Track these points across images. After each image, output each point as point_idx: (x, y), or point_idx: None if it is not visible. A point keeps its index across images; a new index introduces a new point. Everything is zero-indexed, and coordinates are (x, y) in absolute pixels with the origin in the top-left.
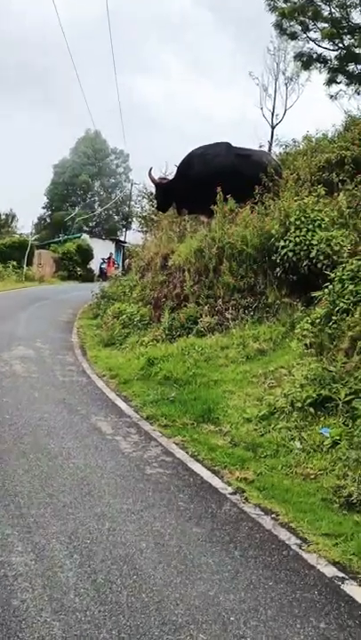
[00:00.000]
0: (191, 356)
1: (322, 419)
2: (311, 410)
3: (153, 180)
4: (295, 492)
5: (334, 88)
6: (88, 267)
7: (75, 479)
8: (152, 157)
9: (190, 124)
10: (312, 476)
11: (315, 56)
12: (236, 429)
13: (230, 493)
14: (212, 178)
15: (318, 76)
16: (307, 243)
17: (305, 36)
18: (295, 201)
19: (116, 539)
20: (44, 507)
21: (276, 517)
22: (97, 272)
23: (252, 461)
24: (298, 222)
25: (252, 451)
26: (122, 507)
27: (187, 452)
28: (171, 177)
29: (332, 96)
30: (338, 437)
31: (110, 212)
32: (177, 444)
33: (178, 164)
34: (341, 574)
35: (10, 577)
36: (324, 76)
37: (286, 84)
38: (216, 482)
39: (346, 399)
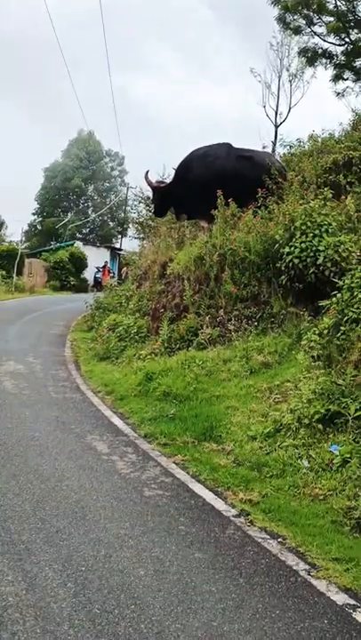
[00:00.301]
0: (192, 370)
1: (331, 435)
2: (319, 426)
3: (150, 184)
4: (303, 514)
5: (341, 85)
6: (82, 276)
7: (68, 502)
8: (149, 159)
9: (189, 125)
10: (321, 497)
11: (320, 51)
12: (239, 448)
13: (234, 516)
14: (212, 181)
15: (324, 72)
16: (313, 249)
17: (309, 30)
18: (300, 205)
19: (113, 566)
20: (36, 532)
21: (283, 541)
22: (91, 282)
23: (258, 482)
24: (304, 227)
25: (257, 470)
26: (119, 531)
27: (187, 473)
28: (169, 180)
29: (338, 93)
30: (348, 455)
31: (105, 218)
32: (177, 464)
33: (176, 167)
34: (353, 602)
35: None
36: (330, 72)
37: (290, 81)
38: (219, 504)
39: (356, 415)
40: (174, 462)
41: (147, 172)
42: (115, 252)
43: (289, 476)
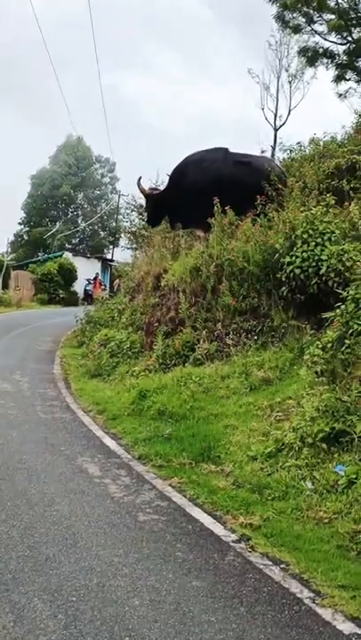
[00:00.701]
0: (188, 388)
1: (336, 455)
2: (324, 445)
3: (143, 191)
4: (307, 538)
5: (343, 86)
6: (71, 289)
7: (58, 529)
8: (141, 165)
9: (185, 128)
10: (326, 521)
11: (321, 51)
12: (239, 469)
13: (234, 541)
14: (208, 187)
15: (325, 72)
16: (315, 258)
17: (309, 28)
18: (302, 212)
19: (106, 595)
20: (24, 561)
21: (287, 568)
22: (81, 295)
23: (259, 505)
24: (305, 236)
25: (258, 493)
26: (112, 559)
27: (184, 496)
28: (163, 187)
29: (340, 95)
30: (354, 476)
31: (95, 228)
32: (173, 487)
33: (170, 173)
34: (360, 631)
35: None
36: (332, 72)
37: (290, 82)
38: (218, 529)
39: None
40: (170, 485)
41: (139, 179)
42: (106, 264)
43: (292, 499)
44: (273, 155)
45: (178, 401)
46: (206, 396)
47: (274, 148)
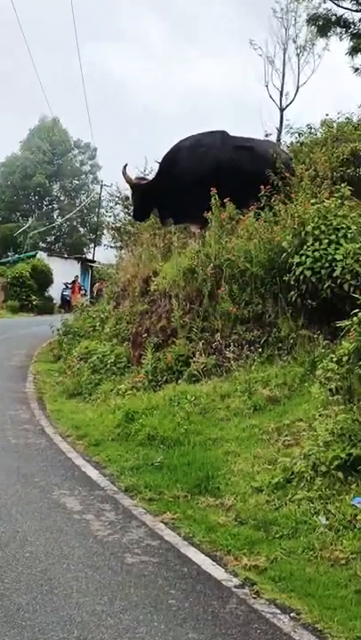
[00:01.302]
0: (182, 408)
1: (354, 486)
2: (340, 474)
3: (129, 181)
4: (321, 582)
5: (359, 59)
6: (46, 294)
7: (32, 573)
8: (127, 151)
9: (176, 109)
10: (342, 562)
11: (333, 18)
12: (242, 502)
13: (236, 586)
14: (204, 176)
15: (338, 43)
16: (329, 258)
17: None
18: (313, 204)
19: None
20: None
21: (297, 616)
22: (58, 301)
23: (265, 544)
24: (317, 232)
25: (264, 530)
26: (95, 608)
27: (179, 534)
28: (152, 176)
29: (357, 69)
30: None
31: (74, 224)
32: (166, 524)
33: (160, 160)
34: None
35: None
36: (346, 43)
37: (298, 55)
38: (218, 572)
39: None
40: (162, 521)
41: (125, 167)
42: (87, 265)
43: (303, 537)
44: (279, 138)
45: (170, 424)
46: (203, 417)
47: (280, 131)
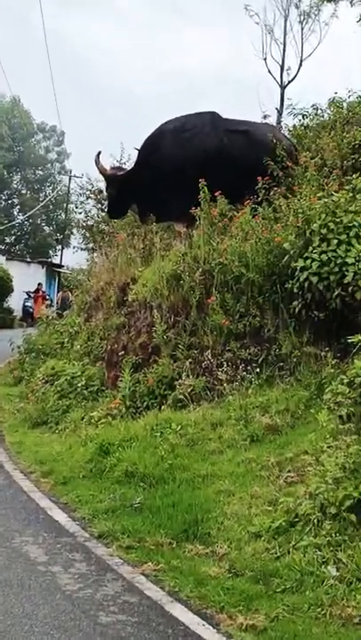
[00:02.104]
0: (166, 440)
1: None
2: (352, 517)
3: (102, 171)
4: None
5: None
6: (5, 305)
7: None
8: (100, 136)
9: (158, 87)
10: (356, 620)
11: None
12: (237, 550)
13: None
14: (191, 166)
15: (348, 9)
16: (338, 262)
17: None
18: (319, 198)
19: None
20: None
21: None
22: (19, 313)
23: (264, 599)
24: (324, 231)
25: (264, 582)
26: None
27: (162, 588)
28: (129, 165)
29: None
30: None
31: (38, 221)
32: (147, 576)
33: (140, 147)
34: None
35: None
36: (358, 9)
37: (301, 23)
38: (208, 633)
39: None
40: (143, 573)
41: (98, 154)
42: (53, 271)
43: (309, 590)
44: (279, 121)
45: (152, 458)
46: (191, 450)
47: (280, 112)
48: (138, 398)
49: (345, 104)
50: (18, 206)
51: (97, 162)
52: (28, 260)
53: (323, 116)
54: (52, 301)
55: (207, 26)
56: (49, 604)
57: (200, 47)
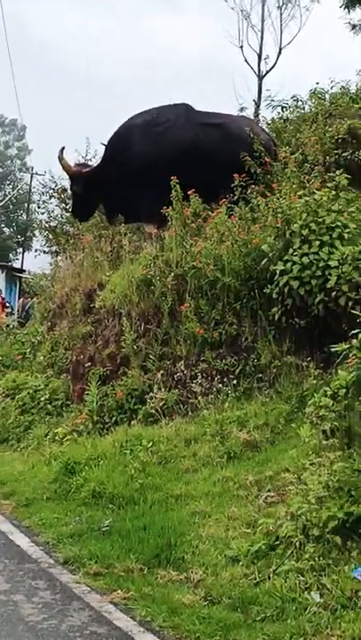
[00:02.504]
0: (137, 457)
1: (354, 553)
2: (336, 539)
3: (67, 168)
4: None
5: (358, 13)
6: None
7: None
8: (64, 131)
9: (126, 78)
10: None
11: None
12: (213, 576)
13: None
14: (162, 162)
15: None
16: (321, 265)
17: None
18: (300, 197)
19: None
20: None
21: None
22: None
23: (243, 628)
24: (305, 232)
25: (242, 610)
26: None
27: (133, 618)
28: (96, 162)
29: (354, 26)
30: None
31: None
32: (116, 605)
33: (107, 142)
34: None
35: None
36: None
37: (280, 8)
38: None
39: None
40: (112, 602)
41: (61, 151)
42: (13, 275)
43: (291, 619)
44: (257, 113)
45: (122, 477)
46: (164, 469)
47: (258, 104)
48: (106, 413)
49: (327, 95)
50: None
51: (60, 158)
52: None
53: (303, 109)
54: (12, 309)
55: (180, 12)
56: (11, 635)
57: (173, 34)
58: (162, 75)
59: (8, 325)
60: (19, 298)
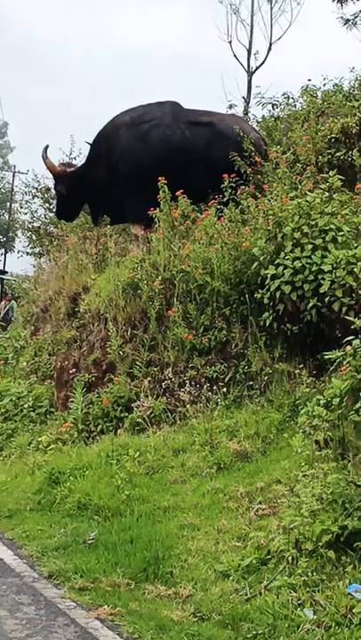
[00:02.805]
0: (123, 467)
1: (349, 568)
2: (330, 554)
3: (51, 168)
4: None
5: (351, 7)
6: None
7: None
8: (48, 128)
9: (111, 72)
10: None
11: None
12: (203, 591)
13: None
14: (149, 162)
15: None
16: (314, 269)
17: None
18: (292, 198)
19: None
20: None
21: None
22: None
23: None
24: (297, 235)
25: (232, 627)
26: None
27: (119, 635)
28: (80, 162)
29: (347, 21)
30: None
31: None
32: (102, 621)
33: (92, 141)
34: None
35: None
36: None
37: (271, 2)
38: None
39: None
40: (98, 618)
41: (45, 149)
42: None
43: (283, 636)
44: (246, 112)
45: (108, 488)
46: (151, 479)
47: (248, 102)
48: (91, 421)
49: (319, 93)
50: None
51: (44, 157)
52: None
53: (295, 106)
54: None
55: (167, 4)
56: None
57: (159, 28)
58: (147, 70)
59: None
60: (0, 300)
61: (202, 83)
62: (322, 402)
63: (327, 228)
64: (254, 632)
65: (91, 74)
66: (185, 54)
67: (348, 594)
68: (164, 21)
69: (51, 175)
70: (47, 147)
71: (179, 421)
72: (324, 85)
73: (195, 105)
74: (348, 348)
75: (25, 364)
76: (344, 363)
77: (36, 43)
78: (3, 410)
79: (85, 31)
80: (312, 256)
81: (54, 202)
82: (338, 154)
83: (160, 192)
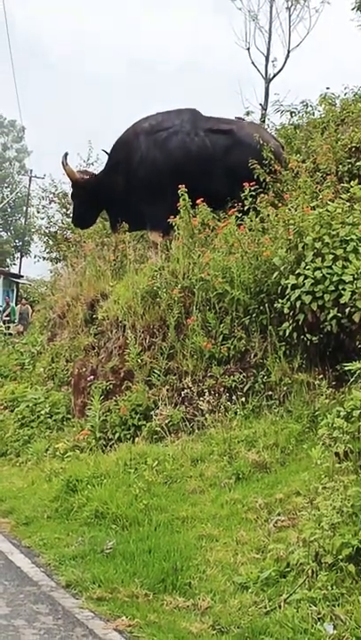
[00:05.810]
0: (141, 476)
1: None
2: (350, 567)
3: (70, 174)
4: None
5: None
6: None
7: None
8: (66, 133)
9: (131, 78)
10: None
11: None
12: (222, 603)
13: None
14: (169, 169)
15: None
16: (334, 279)
17: None
18: (312, 208)
19: None
20: None
21: None
22: None
23: None
24: (318, 245)
25: None
26: None
27: None
28: (99, 169)
29: None
30: None
31: None
32: (121, 632)
33: (111, 148)
34: None
35: None
36: None
37: (289, 10)
38: None
39: None
40: (116, 629)
41: (65, 156)
42: (11, 281)
43: None
44: (264, 119)
45: (125, 497)
46: (169, 489)
47: (265, 109)
48: (109, 429)
49: (338, 101)
50: None
51: (64, 164)
52: None
53: (313, 114)
54: (10, 316)
55: (182, 9)
56: None
57: (178, 33)
58: (163, 75)
59: (7, 334)
60: (16, 304)
61: (219, 88)
62: (342, 413)
63: (348, 238)
64: None
65: (106, 79)
66: (202, 61)
67: None
68: (181, 27)
69: (69, 181)
70: (67, 154)
71: (197, 430)
72: (345, 94)
73: (213, 112)
74: None
75: (42, 369)
76: None
77: (54, 49)
78: (19, 416)
79: (102, 38)
80: (333, 266)
81: (71, 207)
82: (358, 163)
83: (180, 200)
